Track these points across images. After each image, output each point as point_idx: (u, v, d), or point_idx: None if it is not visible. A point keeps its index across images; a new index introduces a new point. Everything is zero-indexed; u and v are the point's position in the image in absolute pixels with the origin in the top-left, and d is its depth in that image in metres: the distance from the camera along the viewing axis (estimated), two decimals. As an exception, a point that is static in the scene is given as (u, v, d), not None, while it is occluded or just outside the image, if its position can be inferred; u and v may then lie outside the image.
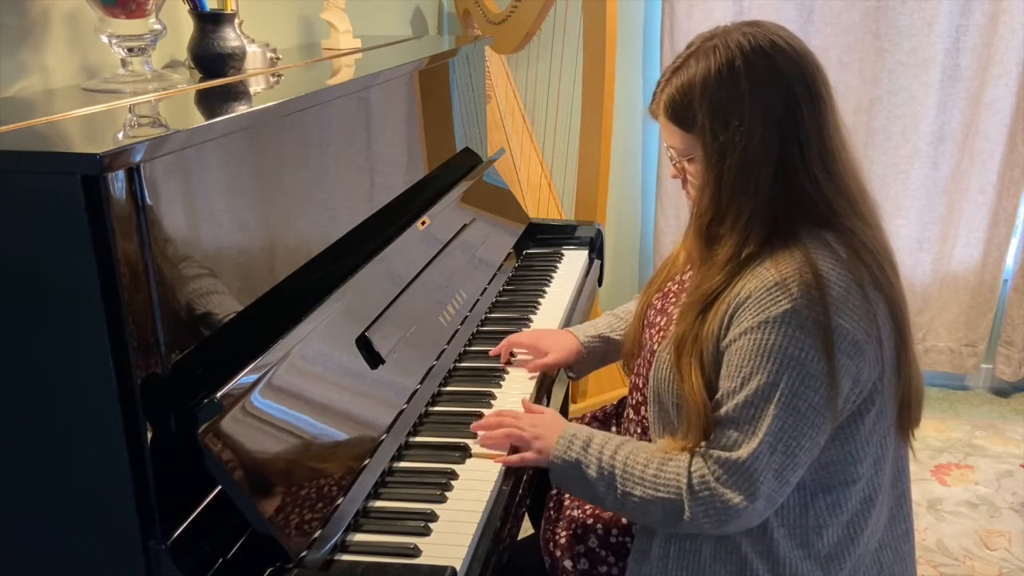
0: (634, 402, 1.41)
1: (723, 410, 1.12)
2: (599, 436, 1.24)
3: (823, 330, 1.08)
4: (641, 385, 1.37)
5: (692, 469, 1.13)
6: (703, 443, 1.15)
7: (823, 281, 1.09)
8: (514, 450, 1.30)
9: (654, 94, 1.23)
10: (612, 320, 1.60)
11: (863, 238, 1.15)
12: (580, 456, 1.22)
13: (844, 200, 1.15)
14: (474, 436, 1.33)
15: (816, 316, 1.08)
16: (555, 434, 1.26)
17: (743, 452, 1.10)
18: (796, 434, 1.09)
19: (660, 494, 1.15)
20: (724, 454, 1.11)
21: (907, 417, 1.21)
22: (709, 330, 1.15)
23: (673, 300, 1.34)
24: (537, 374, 1.54)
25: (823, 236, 1.14)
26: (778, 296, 1.09)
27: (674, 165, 1.25)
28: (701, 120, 1.15)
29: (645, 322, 1.39)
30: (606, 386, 2.83)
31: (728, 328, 1.13)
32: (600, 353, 1.58)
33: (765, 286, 1.10)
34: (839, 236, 1.14)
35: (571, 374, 1.62)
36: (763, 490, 1.10)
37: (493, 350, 1.60)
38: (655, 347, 1.30)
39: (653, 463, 1.17)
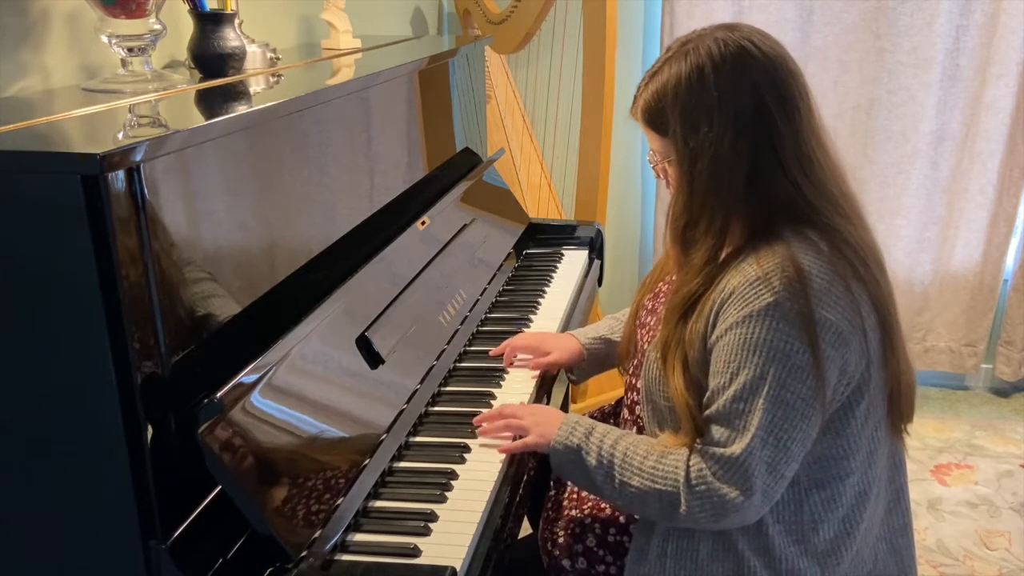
0: (629, 402, 1.42)
1: (714, 407, 1.13)
2: (600, 426, 1.25)
3: (806, 321, 1.09)
4: (636, 384, 1.38)
5: (690, 464, 1.14)
6: (698, 440, 1.15)
7: (805, 274, 1.10)
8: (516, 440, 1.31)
9: (634, 97, 1.24)
10: (613, 323, 1.61)
11: (845, 235, 1.15)
12: (581, 442, 1.23)
13: (826, 201, 1.16)
14: (474, 436, 1.34)
15: (799, 308, 1.09)
16: (556, 421, 1.27)
17: (736, 448, 1.11)
18: (787, 426, 1.10)
19: (658, 486, 1.16)
20: (718, 450, 1.12)
21: (898, 411, 1.22)
22: (695, 331, 1.15)
23: (663, 300, 1.35)
24: (537, 373, 1.55)
25: (805, 232, 1.15)
26: (761, 290, 1.10)
27: (654, 167, 1.26)
28: (673, 126, 1.16)
29: (637, 323, 1.41)
30: (606, 386, 2.83)
31: (714, 325, 1.14)
32: (601, 355, 1.58)
33: (748, 281, 1.11)
34: (821, 233, 1.15)
35: (572, 376, 1.62)
36: (758, 484, 1.11)
37: (494, 350, 1.60)
38: (646, 347, 1.30)
39: (652, 455, 1.18)
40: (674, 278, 1.33)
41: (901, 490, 1.28)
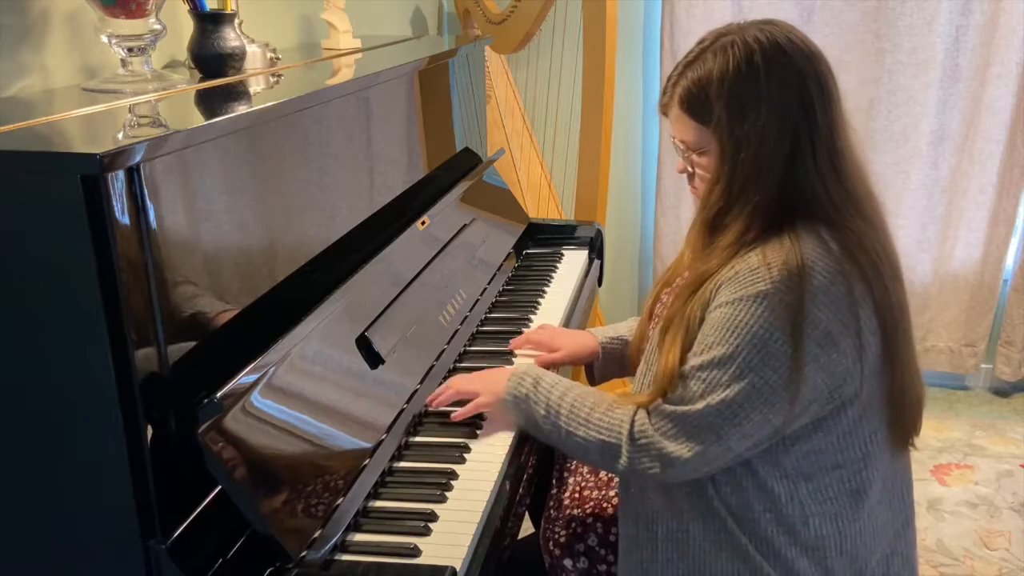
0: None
1: (681, 368, 1.15)
2: (548, 376, 1.30)
3: (795, 316, 1.09)
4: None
5: (636, 418, 1.18)
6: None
7: (806, 270, 1.10)
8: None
9: (664, 88, 1.23)
10: (634, 324, 1.60)
11: (862, 239, 1.15)
12: (530, 392, 1.28)
13: (849, 201, 1.16)
14: (474, 436, 1.33)
15: (790, 301, 1.09)
16: (504, 377, 1.32)
17: (689, 408, 1.13)
18: (746, 405, 1.11)
19: (602, 436, 1.19)
20: (670, 407, 1.15)
21: (902, 424, 1.21)
22: (696, 306, 1.17)
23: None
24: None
25: (818, 229, 1.15)
26: (758, 277, 1.11)
27: (683, 158, 1.25)
28: (718, 114, 1.16)
29: (652, 318, 1.40)
30: (606, 385, 2.83)
31: (711, 302, 1.15)
32: (619, 355, 1.59)
33: (750, 267, 1.12)
34: (835, 233, 1.15)
35: (591, 376, 1.62)
36: (700, 447, 1.12)
37: (513, 342, 1.61)
38: None
39: (600, 407, 1.22)
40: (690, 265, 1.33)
41: (911, 506, 1.28)
